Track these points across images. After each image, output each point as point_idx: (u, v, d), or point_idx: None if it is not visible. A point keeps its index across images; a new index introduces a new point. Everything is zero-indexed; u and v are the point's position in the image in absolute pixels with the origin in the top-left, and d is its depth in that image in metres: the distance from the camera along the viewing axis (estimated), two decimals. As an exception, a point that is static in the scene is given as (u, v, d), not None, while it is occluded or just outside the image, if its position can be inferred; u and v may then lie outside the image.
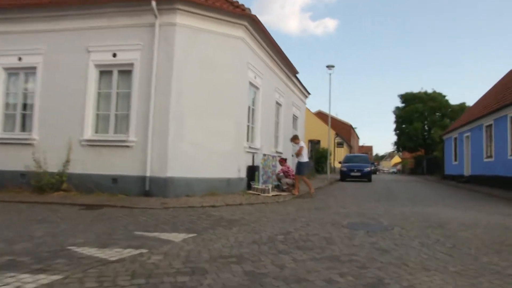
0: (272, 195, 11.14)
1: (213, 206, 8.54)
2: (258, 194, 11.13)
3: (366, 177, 22.80)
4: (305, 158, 12.06)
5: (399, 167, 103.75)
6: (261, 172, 12.49)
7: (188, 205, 8.54)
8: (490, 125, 18.87)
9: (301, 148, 12.03)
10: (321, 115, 49.22)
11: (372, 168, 23.20)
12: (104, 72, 10.89)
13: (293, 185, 12.63)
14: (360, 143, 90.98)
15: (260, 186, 11.63)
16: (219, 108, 10.87)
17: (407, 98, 57.48)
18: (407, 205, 9.84)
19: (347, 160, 25.02)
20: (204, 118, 10.59)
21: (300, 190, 12.88)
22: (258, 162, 12.53)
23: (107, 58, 10.65)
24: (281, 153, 16.27)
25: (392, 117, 61.18)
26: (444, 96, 55.88)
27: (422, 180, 28.34)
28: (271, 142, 15.19)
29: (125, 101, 10.68)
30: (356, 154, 26.49)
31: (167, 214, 7.21)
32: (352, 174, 22.68)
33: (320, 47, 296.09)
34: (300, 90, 20.60)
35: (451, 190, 17.06)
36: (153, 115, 10.12)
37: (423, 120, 55.63)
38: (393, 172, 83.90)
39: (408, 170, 69.47)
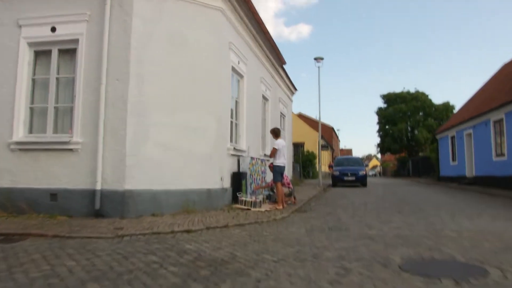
0: (265, 210, 8.66)
1: (188, 231, 6.03)
2: (248, 209, 8.64)
3: (360, 181, 20.59)
4: (280, 160, 9.28)
5: (378, 169, 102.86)
6: (249, 180, 9.99)
7: (153, 231, 5.99)
8: (500, 120, 16.93)
9: (273, 150, 9.26)
10: (302, 117, 47.06)
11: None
12: (41, 53, 8.25)
13: (290, 195, 10.19)
14: (341, 146, 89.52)
15: (249, 198, 9.13)
16: (195, 99, 8.36)
17: (389, 98, 56.03)
18: (446, 219, 7.53)
19: (338, 163, 22.73)
20: (175, 111, 8.06)
21: (297, 200, 10.45)
22: (245, 167, 10.04)
23: (43, 34, 8.01)
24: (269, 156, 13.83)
25: (372, 119, 59.82)
26: (427, 95, 54.59)
27: (416, 183, 26.36)
28: (259, 143, 12.73)
29: (67, 90, 8.04)
30: (347, 157, 24.34)
31: (116, 251, 4.65)
32: (346, 178, 20.41)
33: (296, 52, 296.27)
34: (287, 84, 18.25)
35: (465, 195, 14.93)
36: (105, 108, 7.53)
37: (406, 120, 54.21)
38: (373, 175, 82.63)
39: (391, 172, 68.12)
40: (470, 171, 21.59)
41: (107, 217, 7.15)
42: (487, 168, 18.26)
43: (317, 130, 44.17)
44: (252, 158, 10.16)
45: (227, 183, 9.19)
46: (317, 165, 38.05)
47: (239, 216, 7.68)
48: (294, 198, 10.42)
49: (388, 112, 54.73)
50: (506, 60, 26.87)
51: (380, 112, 56.71)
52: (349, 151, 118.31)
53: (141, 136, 7.60)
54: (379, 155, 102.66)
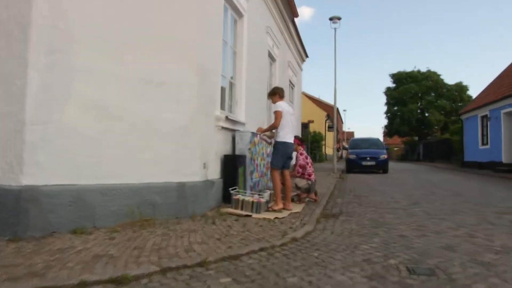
0: (275, 217, 5.37)
1: (116, 282, 2.77)
2: (247, 215, 5.36)
3: (381, 167, 17.31)
4: (285, 132, 5.98)
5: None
6: (249, 167, 6.66)
7: (38, 286, 2.72)
8: None
9: (277, 113, 5.89)
10: (304, 97, 43.52)
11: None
12: None
13: (309, 190, 6.91)
14: (345, 128, 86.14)
15: (248, 196, 5.83)
16: (162, 37, 4.98)
17: (399, 77, 52.44)
18: None
19: (354, 145, 19.36)
20: (124, 53, 4.73)
21: (318, 197, 7.18)
22: (244, 148, 6.69)
23: None
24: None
25: (379, 100, 56.27)
26: (439, 75, 51.02)
27: (439, 169, 23.04)
28: (263, 115, 9.39)
29: None
30: (365, 138, 20.96)
31: None
32: (364, 163, 17.11)
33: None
34: (297, 48, 14.79)
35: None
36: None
37: (417, 101, 50.77)
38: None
39: (396, 156, 64.92)
40: (508, 157, 18.31)
41: (-15, 238, 3.87)
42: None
43: (324, 110, 40.95)
44: (254, 135, 6.85)
45: (214, 173, 5.89)
46: (324, 147, 34.84)
47: (231, 232, 4.40)
48: (315, 194, 7.14)
49: (398, 92, 51.22)
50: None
51: (388, 92, 53.16)
52: (351, 134, 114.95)
53: (56, 91, 4.25)
54: (381, 139, 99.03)
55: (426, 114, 49.87)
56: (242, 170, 6.41)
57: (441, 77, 50.60)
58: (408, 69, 54.28)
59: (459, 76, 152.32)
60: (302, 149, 7.11)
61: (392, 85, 52.90)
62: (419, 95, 50.44)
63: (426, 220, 5.72)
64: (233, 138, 6.73)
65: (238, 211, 5.48)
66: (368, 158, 17.23)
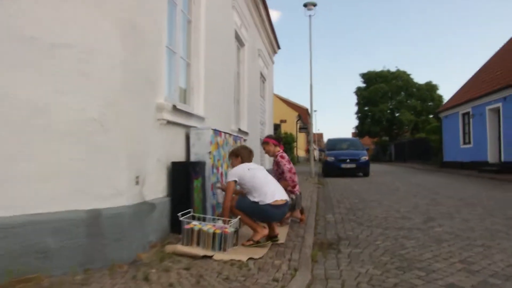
0: (248, 259, 3.45)
1: None
2: (206, 257, 3.42)
3: (362, 169, 15.71)
4: (266, 195, 3.84)
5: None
6: (208, 179, 4.69)
7: None
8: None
9: (228, 184, 4.02)
10: (274, 97, 41.90)
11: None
12: None
13: (293, 209, 5.04)
14: (315, 130, 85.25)
15: (208, 224, 3.88)
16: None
17: (369, 77, 51.93)
18: None
19: (331, 146, 17.65)
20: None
21: (305, 215, 5.35)
22: (202, 152, 4.71)
23: None
24: (246, 134, 8.61)
25: (348, 101, 55.59)
26: (409, 75, 50.77)
27: (416, 171, 21.75)
28: (229, 109, 7.45)
29: None
30: (343, 138, 19.37)
31: None
32: (343, 166, 15.44)
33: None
34: (269, 37, 12.94)
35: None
36: None
37: (387, 101, 50.26)
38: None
39: (369, 157, 64.29)
40: (494, 156, 17.15)
41: None
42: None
43: (296, 110, 39.41)
44: (216, 133, 4.91)
45: (155, 190, 3.92)
46: (296, 149, 33.25)
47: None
48: (302, 212, 5.28)
49: (368, 92, 50.57)
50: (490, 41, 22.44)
51: (359, 92, 52.47)
52: (320, 135, 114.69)
53: None
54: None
55: (397, 114, 49.46)
56: (199, 184, 4.47)
57: (411, 76, 50.38)
58: (378, 68, 53.91)
59: (428, 76, 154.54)
60: (281, 150, 5.26)
61: (362, 84, 52.33)
62: (389, 95, 49.94)
63: (465, 250, 3.99)
64: (187, 138, 4.79)
65: (192, 250, 3.54)
66: (348, 160, 15.59)
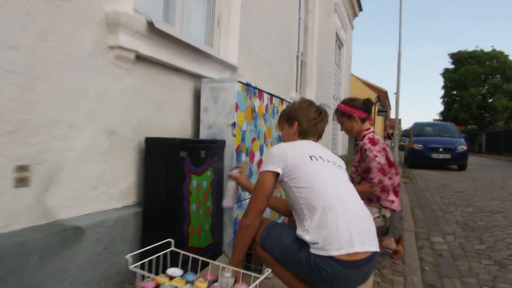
0: None
1: None
2: None
3: (458, 161, 12.66)
4: (333, 234, 1.57)
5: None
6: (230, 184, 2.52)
7: None
8: None
9: (261, 176, 1.80)
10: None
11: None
12: None
13: (385, 233, 2.73)
14: (392, 115, 79.76)
15: (201, 281, 1.74)
16: None
17: (460, 58, 46.42)
18: None
19: (419, 131, 14.62)
20: None
21: (401, 249, 2.99)
22: (219, 123, 2.56)
23: None
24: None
25: (432, 84, 50.30)
26: (507, 56, 44.55)
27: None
28: (288, 69, 5.17)
29: None
30: (433, 122, 16.30)
31: None
32: (434, 156, 12.51)
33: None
34: (348, -10, 10.33)
35: None
36: None
37: (479, 84, 44.59)
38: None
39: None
40: None
41: None
42: None
43: (374, 91, 35.94)
44: (250, 90, 2.76)
45: (104, 195, 1.87)
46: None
47: None
48: (398, 241, 2.97)
49: (457, 74, 45.26)
50: None
51: (446, 74, 47.29)
52: (398, 121, 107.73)
53: None
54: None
55: (490, 100, 43.70)
56: (207, 182, 2.34)
57: (510, 58, 44.07)
58: (470, 48, 48.08)
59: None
60: (371, 129, 2.93)
61: (451, 66, 46.92)
62: (482, 78, 44.28)
63: None
64: (197, 98, 2.68)
65: None
66: (440, 149, 12.61)
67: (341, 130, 3.05)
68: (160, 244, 1.85)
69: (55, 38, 1.59)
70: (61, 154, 1.65)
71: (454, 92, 45.73)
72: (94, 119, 1.80)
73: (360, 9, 12.26)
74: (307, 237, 1.57)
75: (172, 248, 1.88)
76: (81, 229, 1.73)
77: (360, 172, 2.81)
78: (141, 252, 1.79)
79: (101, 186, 1.89)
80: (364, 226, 1.62)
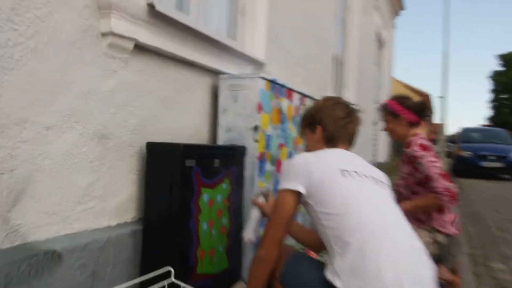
0: None
1: None
2: None
3: (511, 170, 11.71)
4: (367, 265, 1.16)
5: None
6: (249, 188, 2.15)
7: None
8: None
9: (279, 196, 1.37)
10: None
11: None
12: None
13: (438, 260, 2.25)
14: (437, 120, 76.83)
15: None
16: None
17: (510, 59, 43.99)
18: None
19: (466, 136, 13.69)
20: None
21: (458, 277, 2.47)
22: (240, 126, 2.21)
23: None
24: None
25: (480, 86, 47.94)
26: None
27: None
28: (323, 68, 4.76)
29: None
30: (483, 128, 15.24)
31: None
32: (484, 164, 11.60)
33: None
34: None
35: None
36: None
37: (532, 88, 42.08)
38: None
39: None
40: None
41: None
42: None
43: (417, 95, 34.55)
44: (276, 89, 2.39)
45: (93, 211, 1.55)
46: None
47: None
48: (455, 271, 2.48)
49: (508, 77, 42.93)
50: None
51: (495, 76, 44.92)
52: (441, 126, 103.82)
53: None
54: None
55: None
56: (222, 196, 1.99)
57: None
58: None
59: None
60: (420, 134, 2.47)
61: (500, 68, 44.54)
62: (535, 80, 41.74)
63: None
64: (214, 97, 2.34)
65: None
66: (491, 157, 11.70)
67: (383, 130, 2.60)
68: (158, 274, 1.51)
69: (26, 20, 1.29)
70: (32, 161, 1.34)
71: (505, 96, 43.33)
72: (77, 120, 1.49)
73: (402, 7, 11.61)
74: (338, 284, 1.16)
75: (172, 279, 1.53)
76: (58, 253, 1.41)
77: (411, 184, 2.36)
78: (132, 284, 1.45)
79: (89, 201, 1.57)
80: (419, 270, 1.19)
